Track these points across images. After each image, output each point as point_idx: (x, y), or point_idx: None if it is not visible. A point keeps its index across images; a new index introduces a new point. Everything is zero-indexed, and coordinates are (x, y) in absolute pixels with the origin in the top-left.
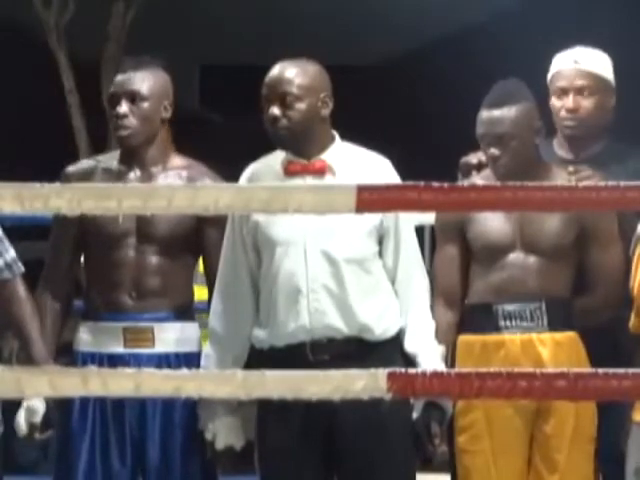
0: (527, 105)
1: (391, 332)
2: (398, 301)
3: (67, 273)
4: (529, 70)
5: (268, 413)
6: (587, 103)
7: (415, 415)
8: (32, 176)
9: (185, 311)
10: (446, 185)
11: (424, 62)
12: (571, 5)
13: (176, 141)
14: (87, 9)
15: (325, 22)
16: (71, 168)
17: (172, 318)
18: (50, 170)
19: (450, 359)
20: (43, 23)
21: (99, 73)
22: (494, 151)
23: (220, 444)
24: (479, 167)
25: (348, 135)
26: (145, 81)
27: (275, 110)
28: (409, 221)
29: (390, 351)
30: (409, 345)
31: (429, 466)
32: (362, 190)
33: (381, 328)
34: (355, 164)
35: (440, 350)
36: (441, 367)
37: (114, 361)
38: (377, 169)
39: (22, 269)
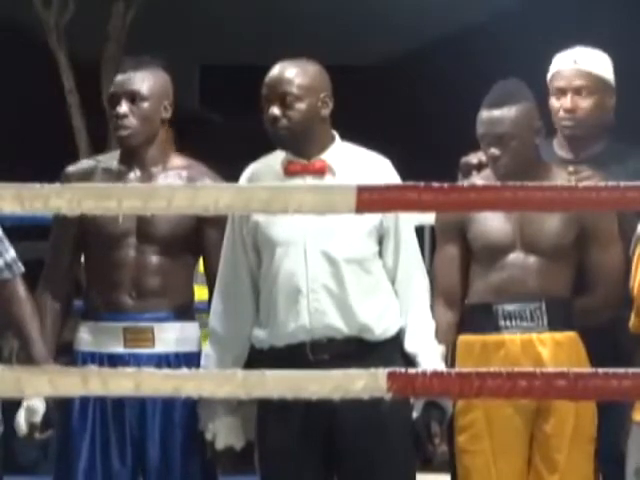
0: (527, 105)
1: (391, 332)
2: (398, 301)
3: (67, 273)
4: (529, 70)
5: (268, 413)
6: (585, 103)
7: (415, 415)
8: (32, 176)
9: (185, 311)
10: (446, 185)
11: (424, 62)
12: (571, 5)
13: (176, 141)
14: (87, 9)
15: (325, 22)
16: (71, 168)
17: (172, 318)
18: (50, 170)
19: (450, 359)
20: (43, 23)
21: (99, 73)
22: (494, 151)
23: (220, 444)
24: (479, 167)
25: (348, 135)
26: (145, 81)
27: (275, 110)
28: (409, 221)
29: (390, 351)
30: (409, 345)
31: (429, 466)
32: (362, 190)
33: (381, 328)
34: (355, 164)
35: (440, 350)
36: (441, 367)
37: (114, 361)
38: (377, 169)
39: (22, 269)
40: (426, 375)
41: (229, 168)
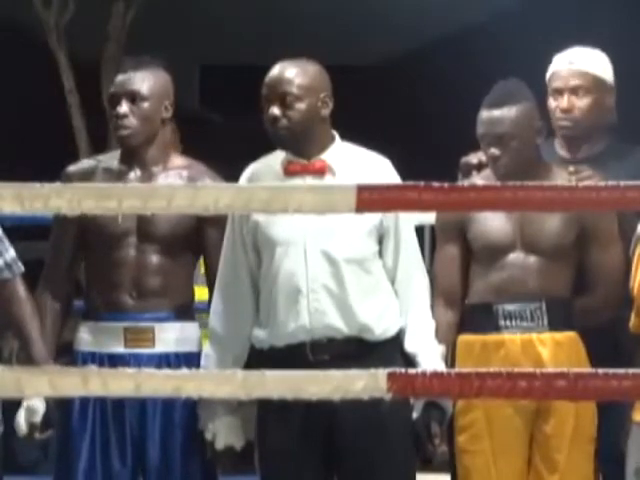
0: (527, 105)
1: (391, 332)
2: (398, 301)
3: (67, 273)
4: (529, 70)
5: (268, 413)
6: (582, 103)
7: (415, 415)
8: (32, 176)
9: (185, 311)
10: (446, 185)
11: (424, 62)
12: (571, 5)
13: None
14: (87, 9)
15: (325, 22)
16: (72, 168)
17: (172, 318)
18: (50, 170)
19: (450, 359)
20: (43, 23)
21: (99, 73)
22: (494, 151)
23: (220, 444)
24: (479, 167)
25: (348, 135)
26: (145, 81)
27: (275, 110)
28: (409, 221)
29: (390, 351)
30: (409, 345)
31: (429, 466)
32: (362, 190)
33: (381, 328)
34: (355, 164)
35: (440, 350)
36: (441, 367)
37: (114, 361)
38: (377, 169)
39: (22, 269)
40: (426, 375)
41: (229, 168)
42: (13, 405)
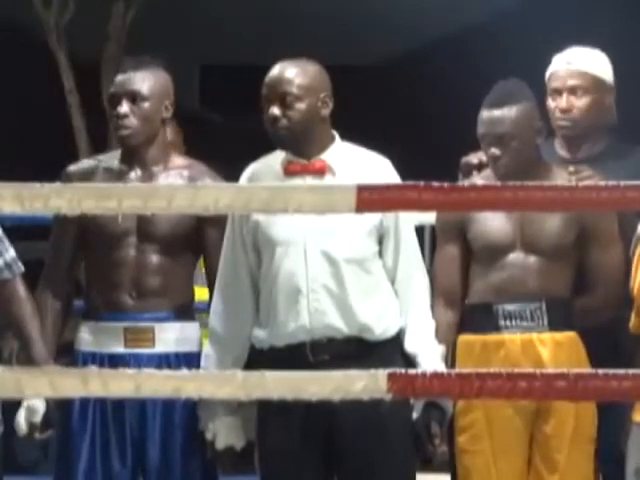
0: (528, 105)
1: (391, 332)
2: (398, 301)
3: (67, 273)
4: (529, 70)
5: (268, 414)
6: (580, 103)
7: (415, 415)
8: (32, 176)
9: (185, 311)
10: (446, 185)
11: (424, 62)
12: (571, 5)
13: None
14: (87, 9)
15: (325, 22)
16: (72, 168)
17: (172, 318)
18: (50, 170)
19: (450, 359)
20: (43, 23)
21: (99, 73)
22: (495, 151)
23: (220, 444)
24: (480, 167)
25: (348, 135)
26: (146, 81)
27: (275, 110)
28: (409, 221)
29: (390, 351)
30: (409, 345)
31: (429, 466)
32: (362, 190)
33: (381, 328)
34: (355, 164)
35: (440, 350)
36: (441, 367)
37: (115, 361)
38: (377, 169)
39: (22, 269)
40: (426, 376)
41: (229, 168)
42: (13, 405)
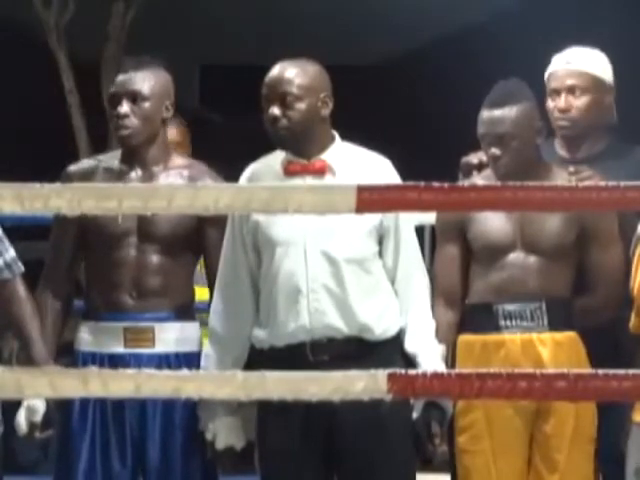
0: (528, 105)
1: (391, 332)
2: (398, 301)
3: (67, 273)
4: (529, 70)
5: (268, 414)
6: (579, 102)
7: (415, 415)
8: (32, 176)
9: (186, 311)
10: (446, 185)
11: (424, 62)
12: (571, 5)
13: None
14: (87, 9)
15: (325, 22)
16: (72, 167)
17: (173, 318)
18: (50, 170)
19: (450, 359)
20: (43, 23)
21: (99, 73)
22: (495, 151)
23: (220, 444)
24: (480, 167)
25: (348, 135)
26: (146, 81)
27: (275, 110)
28: (409, 221)
29: (390, 351)
30: (409, 345)
31: (429, 466)
32: (362, 190)
33: (381, 328)
34: (355, 164)
35: (440, 350)
36: (441, 367)
37: (115, 361)
38: (377, 169)
39: (22, 269)
40: (426, 376)
41: (229, 168)
42: (13, 405)
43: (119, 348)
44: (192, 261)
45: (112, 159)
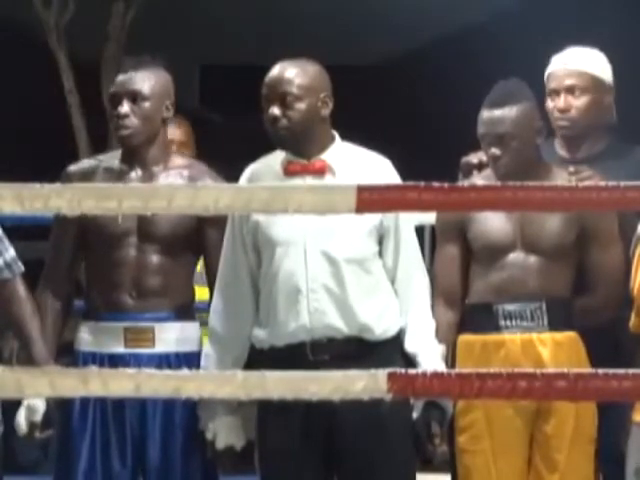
0: (528, 105)
1: (391, 332)
2: (398, 301)
3: (67, 273)
4: (529, 70)
5: (268, 413)
6: (578, 102)
7: (415, 415)
8: (32, 176)
9: (186, 311)
10: (446, 185)
11: (424, 62)
12: (571, 5)
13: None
14: (87, 9)
15: (325, 22)
16: (72, 167)
17: (173, 318)
18: (50, 170)
19: (450, 359)
20: (43, 23)
21: (99, 73)
22: (495, 151)
23: (220, 444)
24: (480, 167)
25: (348, 135)
26: (146, 81)
27: (275, 110)
28: (409, 221)
29: (390, 351)
30: (409, 345)
31: (429, 466)
32: (362, 190)
33: (381, 328)
34: (355, 164)
35: (440, 350)
36: (441, 367)
37: (115, 361)
38: (377, 169)
39: (22, 268)
40: (426, 376)
41: (229, 168)
42: (13, 405)
43: (119, 348)
44: (192, 261)
45: (112, 159)
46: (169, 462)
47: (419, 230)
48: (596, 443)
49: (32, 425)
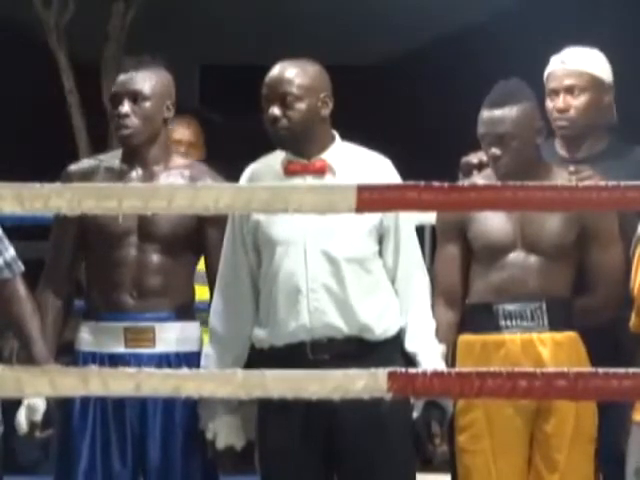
0: (528, 105)
1: (391, 332)
2: (398, 300)
3: (68, 272)
4: (529, 70)
5: (268, 413)
6: (578, 102)
7: (415, 415)
8: (32, 176)
9: (186, 310)
10: (446, 185)
11: (424, 62)
12: (571, 5)
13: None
14: (87, 9)
15: (325, 22)
16: (73, 167)
17: (173, 318)
18: (50, 170)
19: (450, 359)
20: (43, 23)
21: (99, 73)
22: (495, 151)
23: (221, 444)
24: (480, 167)
25: (348, 135)
26: (147, 81)
27: (275, 110)
28: (409, 220)
29: (390, 351)
30: (409, 344)
31: (429, 466)
32: (362, 190)
33: (381, 328)
34: (355, 164)
35: (440, 349)
36: (441, 366)
37: (115, 361)
38: (377, 169)
39: (22, 268)
40: (426, 375)
41: (229, 168)
42: (13, 404)
43: (119, 348)
44: (192, 261)
45: (113, 159)
46: (169, 462)
47: (419, 230)
48: (596, 443)
49: (32, 424)
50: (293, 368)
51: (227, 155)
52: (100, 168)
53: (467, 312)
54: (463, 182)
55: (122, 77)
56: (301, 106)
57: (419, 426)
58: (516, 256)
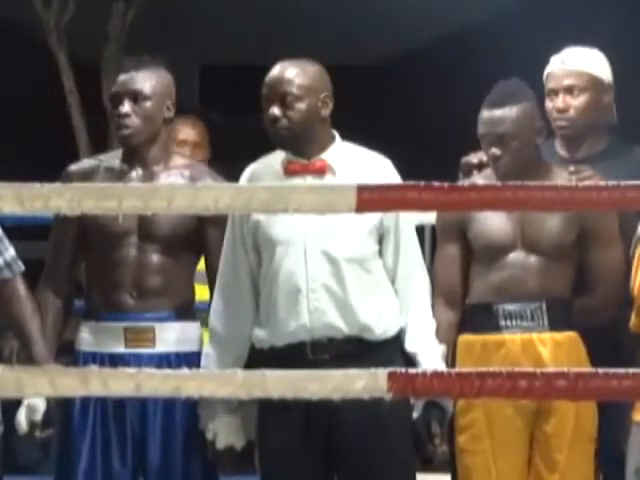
0: (528, 105)
1: (391, 332)
2: (398, 300)
3: (68, 272)
4: (529, 70)
5: (268, 413)
6: (577, 102)
7: (415, 415)
8: (32, 176)
9: (186, 310)
10: (446, 185)
11: (424, 62)
12: (571, 5)
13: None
14: (87, 9)
15: (325, 22)
16: (73, 167)
17: (173, 318)
18: (50, 170)
19: (450, 359)
20: (43, 23)
21: (99, 73)
22: (495, 151)
23: (221, 444)
24: (480, 167)
25: (348, 135)
26: (147, 81)
27: (275, 110)
28: (409, 220)
29: (390, 351)
30: (409, 344)
31: (429, 466)
32: (362, 190)
33: (381, 328)
34: (355, 164)
35: (440, 349)
36: (441, 366)
37: (115, 361)
38: (377, 169)
39: (22, 268)
40: (426, 375)
41: (229, 168)
42: (13, 404)
43: (120, 348)
44: (192, 261)
45: (113, 159)
46: (169, 462)
47: (419, 230)
48: (596, 443)
49: (32, 424)
50: (293, 368)
51: (227, 155)
52: (100, 168)
53: (467, 312)
54: (463, 182)
55: (122, 77)
56: (301, 106)
57: (419, 426)
58: (516, 256)
